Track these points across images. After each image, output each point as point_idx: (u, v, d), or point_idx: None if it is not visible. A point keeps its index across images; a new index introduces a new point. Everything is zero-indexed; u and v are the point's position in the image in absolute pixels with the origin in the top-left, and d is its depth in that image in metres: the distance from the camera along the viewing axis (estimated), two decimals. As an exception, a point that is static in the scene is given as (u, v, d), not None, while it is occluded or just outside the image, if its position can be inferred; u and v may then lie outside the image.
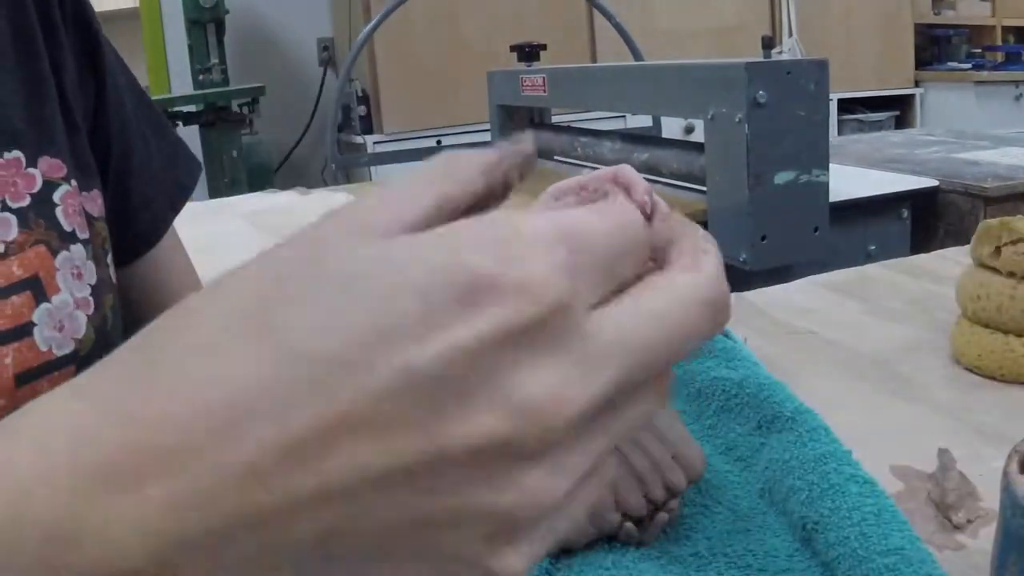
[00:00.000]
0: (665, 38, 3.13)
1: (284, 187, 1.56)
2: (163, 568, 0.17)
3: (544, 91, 1.64)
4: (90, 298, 0.46)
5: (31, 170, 0.44)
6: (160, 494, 0.17)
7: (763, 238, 1.10)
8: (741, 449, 0.47)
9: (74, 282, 0.45)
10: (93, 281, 0.46)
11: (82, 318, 0.45)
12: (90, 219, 0.48)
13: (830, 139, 1.15)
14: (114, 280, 0.50)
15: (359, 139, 2.99)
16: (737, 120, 1.07)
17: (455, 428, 0.17)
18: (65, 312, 0.44)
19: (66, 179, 0.46)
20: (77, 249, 0.45)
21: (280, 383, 0.17)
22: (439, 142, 2.92)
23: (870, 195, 1.33)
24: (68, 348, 0.43)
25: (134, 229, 0.54)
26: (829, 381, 0.59)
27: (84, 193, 0.48)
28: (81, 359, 0.45)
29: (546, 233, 0.18)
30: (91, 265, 0.46)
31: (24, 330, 0.41)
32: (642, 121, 2.60)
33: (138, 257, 0.56)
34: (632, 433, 0.22)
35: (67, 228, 0.45)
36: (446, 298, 0.17)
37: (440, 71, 2.94)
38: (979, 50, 4.01)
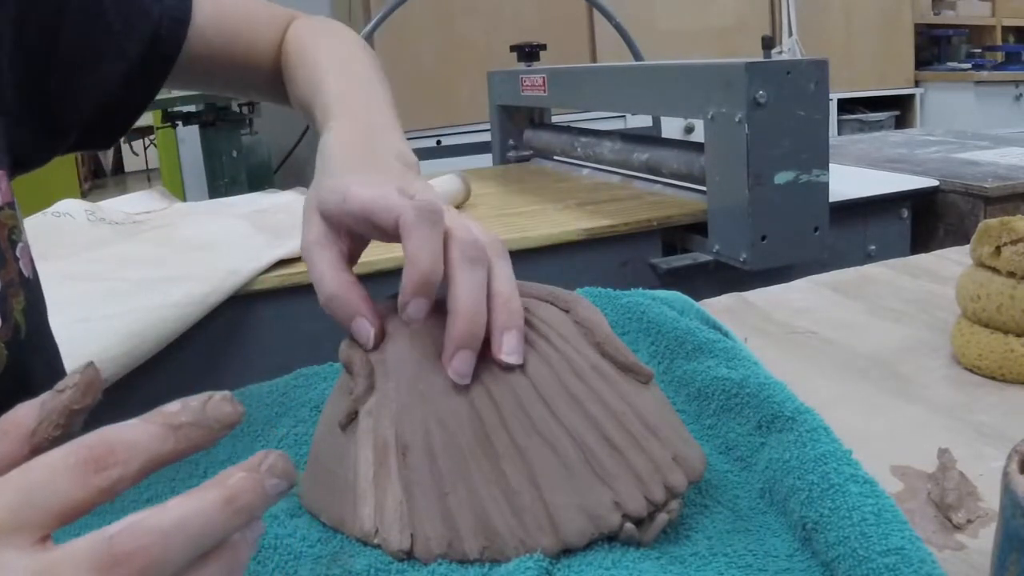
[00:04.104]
0: (665, 38, 3.12)
1: (284, 187, 1.56)
2: None
3: (544, 91, 1.64)
4: None
5: None
6: None
7: (763, 238, 1.10)
8: (741, 449, 0.47)
9: None
10: None
11: None
12: None
13: (830, 139, 1.15)
14: (25, 272, 0.44)
15: (359, 139, 2.99)
16: (737, 120, 1.07)
17: None
18: None
19: None
20: None
21: None
22: (439, 142, 2.92)
23: (870, 195, 1.33)
24: None
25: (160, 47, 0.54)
26: (829, 381, 0.59)
27: None
28: None
29: None
30: None
31: None
32: (642, 121, 2.60)
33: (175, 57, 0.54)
34: None
35: None
36: None
37: (440, 71, 2.94)
38: (979, 50, 4.02)
